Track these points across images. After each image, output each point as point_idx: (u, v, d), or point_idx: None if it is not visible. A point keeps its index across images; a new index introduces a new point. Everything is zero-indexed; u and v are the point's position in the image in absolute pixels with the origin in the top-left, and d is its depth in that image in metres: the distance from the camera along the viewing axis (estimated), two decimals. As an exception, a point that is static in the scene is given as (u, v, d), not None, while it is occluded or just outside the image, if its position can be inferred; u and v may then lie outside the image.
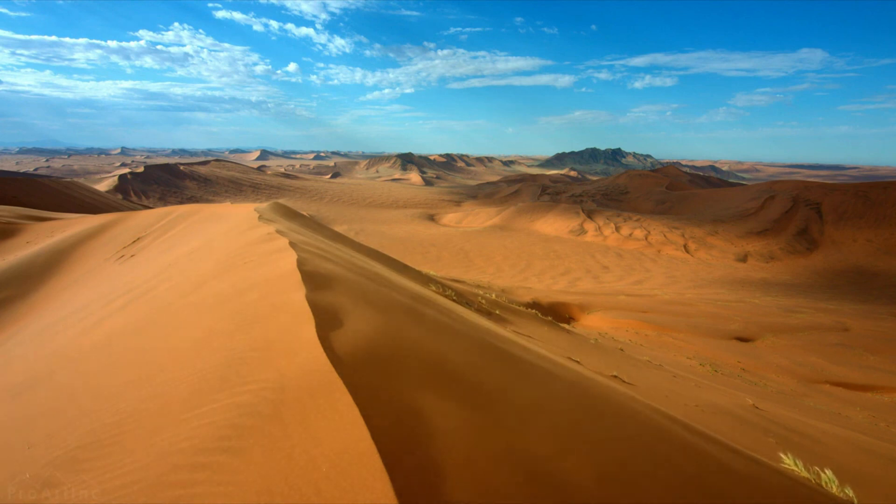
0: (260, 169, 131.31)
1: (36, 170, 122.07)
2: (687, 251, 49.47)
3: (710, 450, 2.67)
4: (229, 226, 7.45)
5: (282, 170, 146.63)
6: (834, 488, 2.96)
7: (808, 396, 11.03)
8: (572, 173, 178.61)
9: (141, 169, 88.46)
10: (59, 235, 13.56)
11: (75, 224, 15.02)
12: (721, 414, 5.84)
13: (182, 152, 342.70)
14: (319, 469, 1.40)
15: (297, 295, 2.75)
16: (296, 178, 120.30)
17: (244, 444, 1.56)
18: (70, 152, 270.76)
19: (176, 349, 2.75)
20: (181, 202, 73.81)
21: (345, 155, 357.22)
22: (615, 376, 6.53)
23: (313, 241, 5.64)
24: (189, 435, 1.72)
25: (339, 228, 48.72)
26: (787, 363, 14.71)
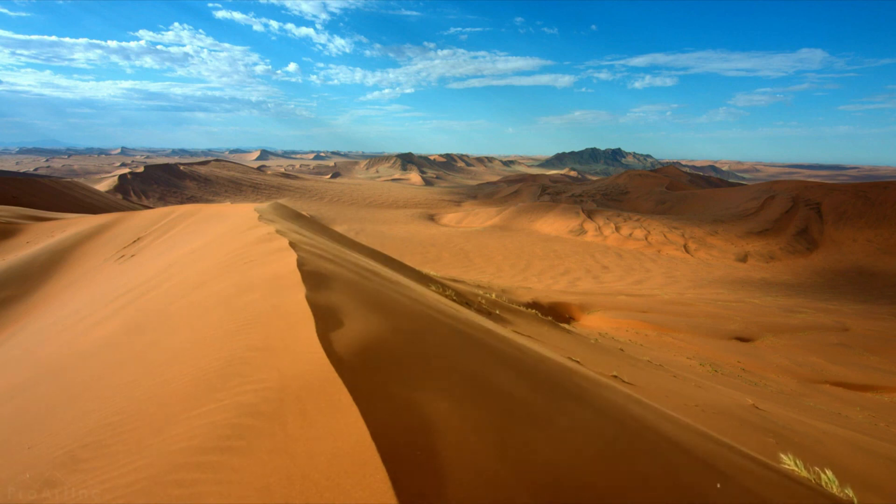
0: (260, 169, 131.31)
1: (36, 170, 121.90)
2: (687, 251, 49.47)
3: (711, 449, 2.67)
4: (229, 226, 7.46)
5: (282, 170, 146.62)
6: (834, 488, 2.96)
7: (808, 396, 11.03)
8: (572, 173, 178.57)
9: (141, 169, 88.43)
10: (58, 235, 13.56)
11: (75, 224, 15.02)
12: (721, 414, 5.85)
13: (182, 152, 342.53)
14: (320, 468, 1.40)
15: (298, 295, 2.75)
16: (296, 178, 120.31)
17: (245, 444, 1.56)
18: (70, 152, 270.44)
19: (176, 349, 2.75)
20: (181, 202, 73.83)
21: (345, 155, 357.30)
22: (615, 376, 6.53)
23: (313, 241, 5.64)
24: (190, 434, 1.72)
25: (339, 228, 48.73)
26: (787, 363, 14.71)
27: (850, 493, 2.95)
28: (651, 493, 1.84)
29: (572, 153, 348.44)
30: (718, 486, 1.98)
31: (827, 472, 3.10)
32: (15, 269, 10.76)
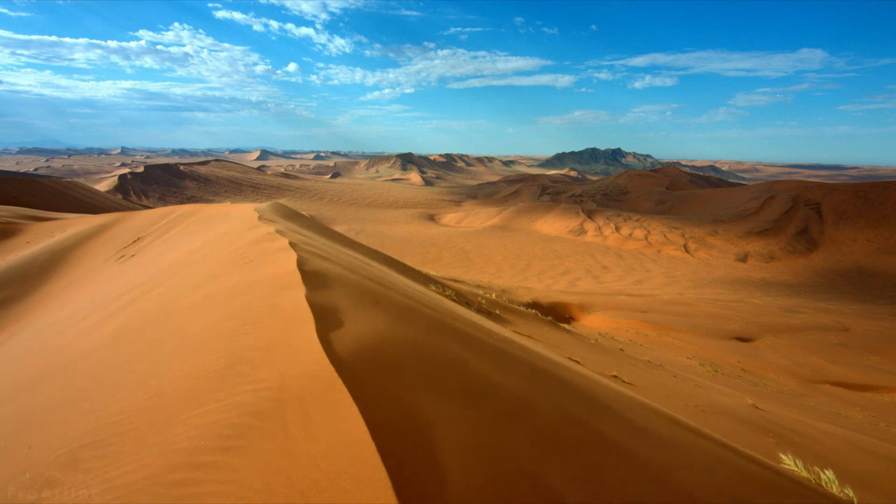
0: (260, 169, 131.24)
1: (36, 170, 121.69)
2: (687, 251, 49.46)
3: (710, 449, 2.67)
4: (229, 226, 7.45)
5: (282, 170, 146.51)
6: (834, 488, 2.96)
7: (808, 396, 11.03)
8: (572, 173, 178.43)
9: (141, 169, 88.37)
10: (58, 235, 13.56)
11: (75, 224, 15.02)
12: (721, 414, 5.85)
13: (182, 152, 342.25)
14: (320, 468, 1.41)
15: (298, 295, 2.75)
16: (296, 178, 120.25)
17: (245, 444, 1.56)
18: (70, 152, 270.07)
19: (176, 349, 2.75)
20: (181, 202, 73.79)
21: (345, 155, 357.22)
22: (615, 376, 6.54)
23: (313, 241, 5.64)
24: (190, 434, 1.72)
25: (339, 228, 48.71)
26: (787, 363, 14.70)
27: (850, 493, 2.95)
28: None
29: (572, 153, 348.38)
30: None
31: (827, 472, 3.10)
32: (15, 269, 10.76)
